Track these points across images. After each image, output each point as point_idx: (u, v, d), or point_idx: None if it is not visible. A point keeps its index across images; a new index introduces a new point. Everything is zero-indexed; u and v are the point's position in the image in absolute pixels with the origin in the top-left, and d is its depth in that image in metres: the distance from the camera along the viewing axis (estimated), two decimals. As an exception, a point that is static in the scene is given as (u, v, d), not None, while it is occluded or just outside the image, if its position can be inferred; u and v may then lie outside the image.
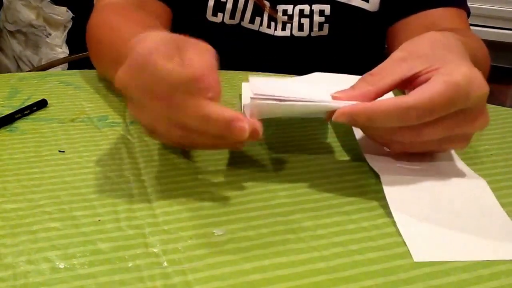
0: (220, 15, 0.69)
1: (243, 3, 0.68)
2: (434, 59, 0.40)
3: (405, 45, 0.43)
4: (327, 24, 0.69)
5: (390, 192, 0.40)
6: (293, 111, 0.41)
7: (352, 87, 0.42)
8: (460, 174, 0.43)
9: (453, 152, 0.46)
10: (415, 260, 0.34)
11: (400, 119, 0.38)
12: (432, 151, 0.44)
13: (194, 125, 0.38)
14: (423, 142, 0.41)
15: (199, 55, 0.39)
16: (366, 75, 0.42)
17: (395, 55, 0.42)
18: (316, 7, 0.69)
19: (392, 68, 0.42)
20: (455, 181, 0.42)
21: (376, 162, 0.43)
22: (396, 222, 0.37)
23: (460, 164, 0.45)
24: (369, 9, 0.70)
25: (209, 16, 0.70)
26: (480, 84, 0.39)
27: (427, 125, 0.39)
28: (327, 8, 0.69)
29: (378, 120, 0.38)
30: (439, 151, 0.45)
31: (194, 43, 0.40)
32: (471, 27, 0.73)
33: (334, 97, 0.41)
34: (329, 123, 0.53)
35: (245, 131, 0.36)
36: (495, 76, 0.62)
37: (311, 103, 0.40)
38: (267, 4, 0.69)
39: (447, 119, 0.39)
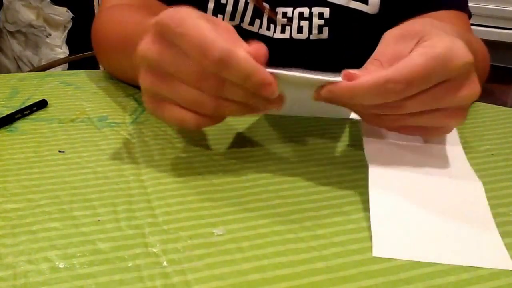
0: (220, 16, 0.69)
1: (243, 5, 0.68)
2: (423, 34, 0.40)
3: (400, 25, 0.43)
4: (327, 27, 0.69)
5: (375, 183, 0.39)
6: (288, 81, 0.40)
7: (364, 68, 0.41)
8: (458, 173, 0.42)
9: (460, 149, 0.45)
10: (373, 255, 0.34)
11: (381, 95, 0.37)
12: (426, 130, 0.42)
13: (235, 72, 0.37)
14: (410, 116, 0.40)
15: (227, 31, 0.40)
16: (372, 59, 0.42)
17: (392, 32, 0.42)
18: (316, 10, 0.69)
19: (394, 49, 0.41)
20: (450, 179, 0.41)
21: (371, 150, 0.42)
22: (371, 214, 0.37)
23: (462, 162, 0.44)
24: (368, 12, 0.70)
25: None
26: (462, 54, 0.38)
27: (409, 97, 0.38)
28: (326, 11, 0.69)
29: (359, 97, 0.37)
30: (436, 131, 0.43)
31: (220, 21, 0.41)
32: (472, 27, 0.73)
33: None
34: (329, 122, 0.53)
35: (274, 92, 0.38)
36: (496, 76, 0.62)
37: (309, 76, 0.39)
38: (267, 6, 0.69)
39: (429, 91, 0.38)
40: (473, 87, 0.39)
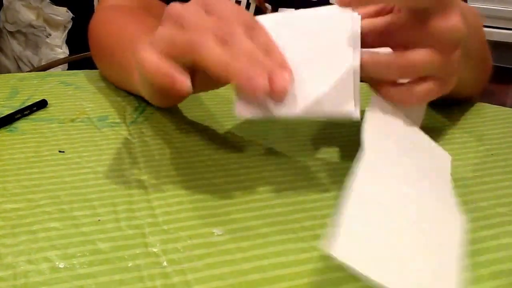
0: None
1: (244, 5, 0.68)
2: None
3: None
4: None
5: (360, 182, 0.34)
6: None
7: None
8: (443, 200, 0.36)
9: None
10: (331, 251, 0.28)
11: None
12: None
13: (260, 34, 0.36)
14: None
15: None
16: None
17: None
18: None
19: None
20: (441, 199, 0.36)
21: (368, 143, 0.37)
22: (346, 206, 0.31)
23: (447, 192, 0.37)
24: None
25: None
26: None
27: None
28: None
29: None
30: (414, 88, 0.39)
31: None
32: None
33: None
34: (330, 123, 0.53)
35: (286, 86, 0.35)
36: (495, 76, 0.62)
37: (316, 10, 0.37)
38: (269, 7, 0.69)
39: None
40: (449, 19, 0.36)
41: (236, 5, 0.38)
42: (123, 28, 0.58)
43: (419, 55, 0.37)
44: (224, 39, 0.35)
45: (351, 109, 0.37)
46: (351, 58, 0.36)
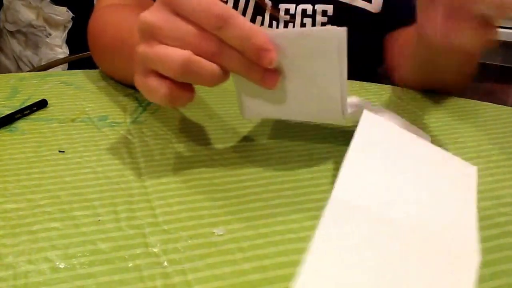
0: None
1: (244, 2, 0.68)
2: None
3: None
4: (330, 24, 0.69)
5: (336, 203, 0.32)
6: (288, 41, 0.39)
7: None
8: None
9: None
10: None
11: None
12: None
13: (235, 31, 0.36)
14: None
15: None
16: None
17: None
18: (319, 7, 0.69)
19: None
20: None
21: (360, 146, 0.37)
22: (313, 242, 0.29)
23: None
24: (372, 10, 0.70)
25: None
26: None
27: None
28: (330, 8, 0.69)
29: None
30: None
31: None
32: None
33: None
34: (331, 123, 0.53)
35: (272, 61, 0.37)
36: (497, 75, 0.62)
37: (306, 28, 0.41)
38: (269, 3, 0.69)
39: None
40: None
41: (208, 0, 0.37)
42: (123, 22, 0.58)
43: None
44: (210, 51, 0.37)
45: (338, 117, 0.42)
46: (338, 71, 0.39)
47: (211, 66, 0.37)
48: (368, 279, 0.28)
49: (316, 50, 0.38)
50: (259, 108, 0.43)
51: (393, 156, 0.37)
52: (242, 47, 0.37)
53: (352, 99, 0.44)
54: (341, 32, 0.38)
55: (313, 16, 0.69)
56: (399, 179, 0.35)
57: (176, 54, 0.37)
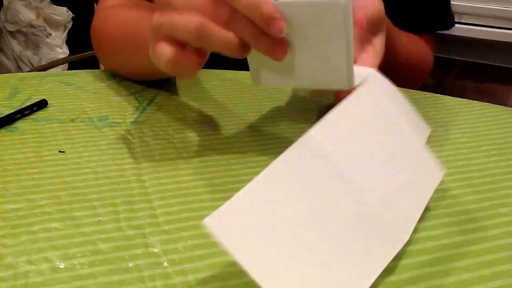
0: None
1: None
2: None
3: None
4: None
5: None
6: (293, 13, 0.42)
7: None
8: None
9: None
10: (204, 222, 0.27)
11: None
12: None
13: (246, 2, 0.37)
14: None
15: None
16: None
17: None
18: None
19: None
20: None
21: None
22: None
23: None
24: None
25: None
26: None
27: None
28: None
29: None
30: None
31: None
32: (472, 27, 0.74)
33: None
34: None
35: (281, 30, 0.38)
36: (496, 76, 0.62)
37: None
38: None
39: None
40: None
41: None
42: (131, 17, 0.59)
43: None
44: (223, 19, 0.38)
45: (345, 84, 0.41)
46: (344, 39, 0.40)
47: (226, 33, 0.38)
48: (291, 233, 0.28)
49: (322, 17, 0.39)
50: (269, 76, 0.45)
51: (378, 125, 0.38)
52: (253, 15, 0.38)
53: (360, 70, 0.45)
54: (346, 3, 0.39)
55: None
56: (372, 150, 0.36)
57: (191, 18, 0.38)
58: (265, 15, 0.38)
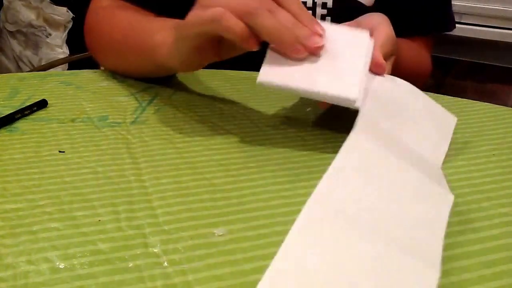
0: None
1: None
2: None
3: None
4: (329, 17, 0.70)
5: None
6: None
7: None
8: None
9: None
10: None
11: None
12: None
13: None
14: None
15: None
16: None
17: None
18: (319, 0, 0.69)
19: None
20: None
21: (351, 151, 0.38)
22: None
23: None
24: (366, 4, 0.71)
25: None
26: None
27: None
28: (329, 0, 0.69)
29: None
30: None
31: None
32: (472, 27, 0.74)
33: None
34: (331, 124, 0.53)
35: (319, 47, 0.45)
36: (497, 76, 0.62)
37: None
38: None
39: None
40: None
41: None
42: (128, 18, 0.60)
43: None
44: (271, 10, 0.43)
45: (353, 98, 0.43)
46: (363, 59, 0.46)
47: (272, 18, 0.43)
48: (335, 279, 0.28)
49: (349, 41, 0.47)
50: (280, 76, 0.45)
51: (374, 178, 0.37)
52: (296, 12, 0.44)
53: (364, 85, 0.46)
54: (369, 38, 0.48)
55: (313, 8, 0.69)
56: (377, 193, 0.35)
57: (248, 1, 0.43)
58: (310, 31, 0.44)
